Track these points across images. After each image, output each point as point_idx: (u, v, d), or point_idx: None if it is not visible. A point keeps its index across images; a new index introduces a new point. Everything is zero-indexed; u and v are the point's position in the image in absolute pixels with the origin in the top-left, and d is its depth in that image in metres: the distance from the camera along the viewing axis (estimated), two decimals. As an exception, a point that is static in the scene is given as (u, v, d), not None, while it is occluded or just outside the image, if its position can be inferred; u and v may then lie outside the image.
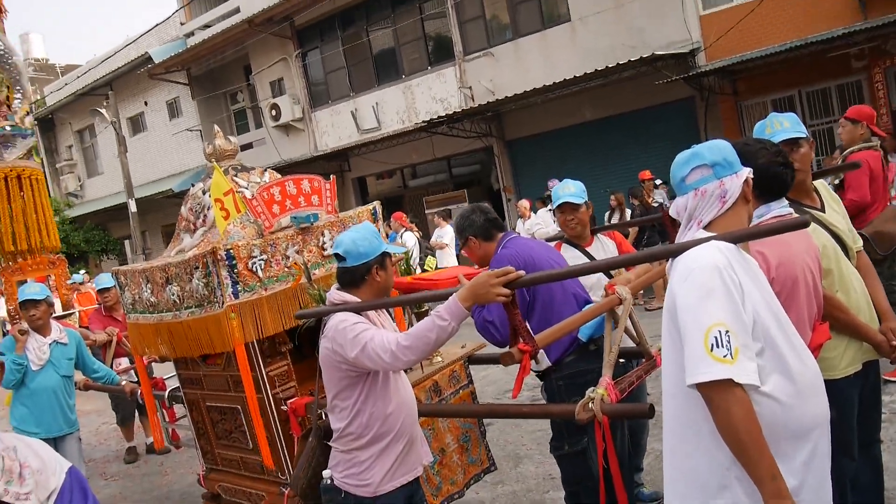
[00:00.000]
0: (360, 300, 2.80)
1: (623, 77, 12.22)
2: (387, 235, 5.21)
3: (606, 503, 2.72)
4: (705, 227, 2.03)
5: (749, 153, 2.38)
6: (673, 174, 2.12)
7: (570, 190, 3.92)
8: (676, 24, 11.96)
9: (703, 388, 1.81)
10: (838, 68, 10.94)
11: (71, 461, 5.25)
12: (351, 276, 2.81)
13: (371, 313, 2.85)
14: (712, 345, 1.78)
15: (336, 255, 2.85)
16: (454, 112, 13.68)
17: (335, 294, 2.85)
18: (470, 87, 14.70)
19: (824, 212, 2.93)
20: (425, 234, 13.34)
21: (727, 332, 1.78)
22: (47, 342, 5.00)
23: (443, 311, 2.43)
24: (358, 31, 16.64)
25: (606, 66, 11.48)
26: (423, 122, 14.23)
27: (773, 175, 2.46)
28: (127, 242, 22.13)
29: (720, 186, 2.01)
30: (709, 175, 2.03)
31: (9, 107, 1.32)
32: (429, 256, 11.63)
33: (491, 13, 14.63)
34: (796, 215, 2.55)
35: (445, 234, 12.32)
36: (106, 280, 6.79)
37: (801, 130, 2.90)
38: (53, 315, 5.49)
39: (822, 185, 3.11)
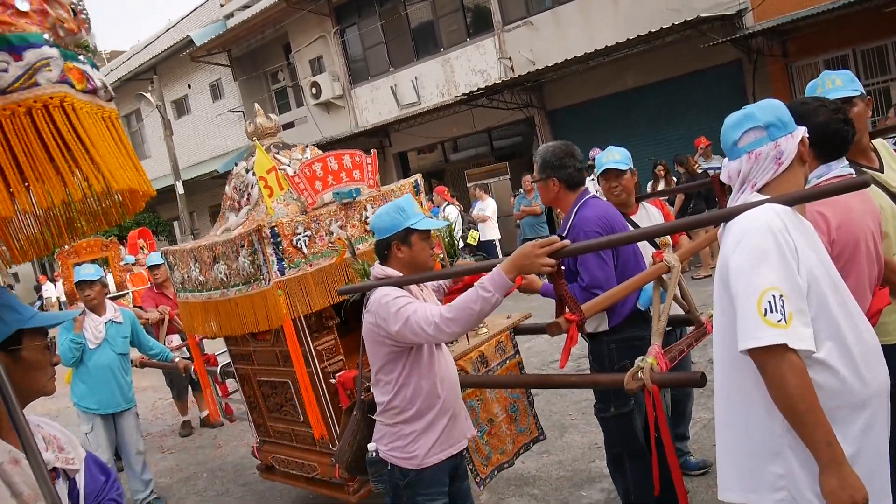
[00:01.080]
0: (400, 274, 2.80)
1: (666, 42, 11.89)
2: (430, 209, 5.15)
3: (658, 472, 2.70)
4: (759, 191, 1.98)
5: (807, 112, 2.30)
6: (724, 137, 2.06)
7: (614, 157, 3.82)
8: (722, -15, 11.57)
9: (755, 353, 1.76)
10: (895, 25, 10.46)
11: (129, 436, 5.50)
12: (378, 250, 2.86)
13: (414, 287, 2.85)
14: (766, 309, 1.74)
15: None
16: (494, 84, 13.53)
17: (377, 269, 2.86)
18: (510, 58, 14.51)
19: (883, 172, 2.80)
20: (467, 208, 13.31)
21: (781, 296, 1.74)
22: (103, 321, 5.18)
23: (487, 283, 2.39)
24: (395, 5, 16.53)
25: (649, 32, 11.17)
26: (463, 94, 14.11)
27: (833, 133, 2.35)
28: (176, 224, 22.65)
29: (775, 148, 1.95)
30: (763, 137, 1.96)
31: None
32: (471, 230, 11.64)
33: (530, -19, 14.39)
34: (856, 176, 2.46)
35: (487, 206, 12.29)
36: (155, 258, 6.98)
37: (855, 88, 2.77)
38: (108, 295, 5.66)
39: (881, 144, 2.96)
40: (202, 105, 22.02)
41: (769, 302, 1.73)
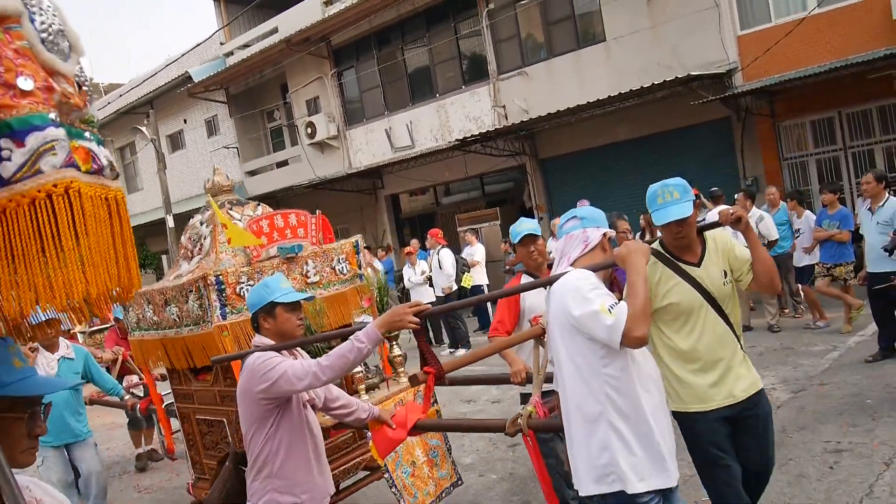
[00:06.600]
0: (272, 342, 3.04)
1: (658, 97, 12.02)
2: (368, 264, 5.20)
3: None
4: (572, 264, 2.70)
5: None
6: (558, 224, 2.85)
7: (528, 225, 4.04)
8: (713, 45, 11.74)
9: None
10: (880, 90, 10.58)
11: (90, 465, 5.58)
12: (252, 323, 3.17)
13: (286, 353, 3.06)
14: (608, 310, 2.45)
15: None
16: (487, 131, 13.63)
17: (255, 339, 3.13)
18: (504, 106, 14.64)
19: (699, 266, 3.09)
20: (457, 251, 13.24)
21: (612, 305, 2.46)
22: (55, 358, 5.22)
23: (361, 335, 2.75)
24: (393, 50, 16.75)
25: (641, 86, 11.32)
26: (457, 140, 14.21)
27: None
28: (164, 257, 22.54)
29: (583, 233, 2.74)
30: (577, 224, 2.76)
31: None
32: (465, 273, 11.58)
33: (526, 32, 14.58)
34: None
35: (476, 251, 12.24)
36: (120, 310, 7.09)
37: (689, 198, 3.01)
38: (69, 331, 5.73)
39: (719, 237, 3.18)
40: (197, 140, 22.13)
41: (609, 308, 2.45)
